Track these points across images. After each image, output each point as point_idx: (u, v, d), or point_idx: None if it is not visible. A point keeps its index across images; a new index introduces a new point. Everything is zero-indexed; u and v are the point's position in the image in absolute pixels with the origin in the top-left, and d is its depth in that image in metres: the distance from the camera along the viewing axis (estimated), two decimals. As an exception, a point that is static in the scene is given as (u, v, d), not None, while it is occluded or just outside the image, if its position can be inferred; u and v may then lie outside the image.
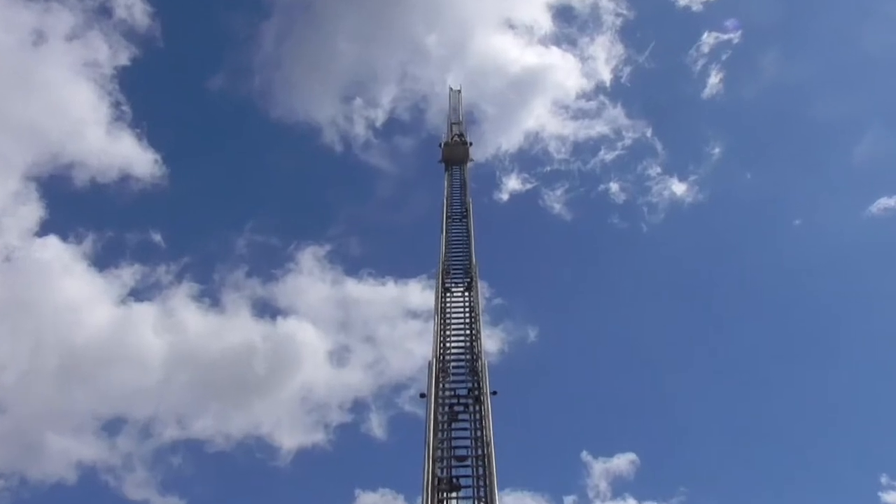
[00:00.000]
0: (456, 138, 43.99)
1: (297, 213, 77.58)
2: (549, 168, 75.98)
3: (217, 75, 78.18)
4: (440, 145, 43.08)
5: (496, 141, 76.94)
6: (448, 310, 30.54)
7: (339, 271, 69.55)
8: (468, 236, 34.77)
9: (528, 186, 74.38)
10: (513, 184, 73.95)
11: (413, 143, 75.77)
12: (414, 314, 61.32)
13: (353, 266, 74.76)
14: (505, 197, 72.61)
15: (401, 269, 67.43)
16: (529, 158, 77.23)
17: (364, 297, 66.70)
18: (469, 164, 41.43)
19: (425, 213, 67.90)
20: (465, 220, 37.74)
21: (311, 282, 69.77)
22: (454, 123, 46.18)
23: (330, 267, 68.78)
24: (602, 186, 75.29)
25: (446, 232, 35.49)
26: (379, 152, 75.81)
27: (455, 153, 42.02)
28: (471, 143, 42.70)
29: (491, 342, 54.98)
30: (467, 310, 30.62)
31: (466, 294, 31.42)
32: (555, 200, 74.31)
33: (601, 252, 75.10)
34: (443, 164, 41.57)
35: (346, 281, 68.75)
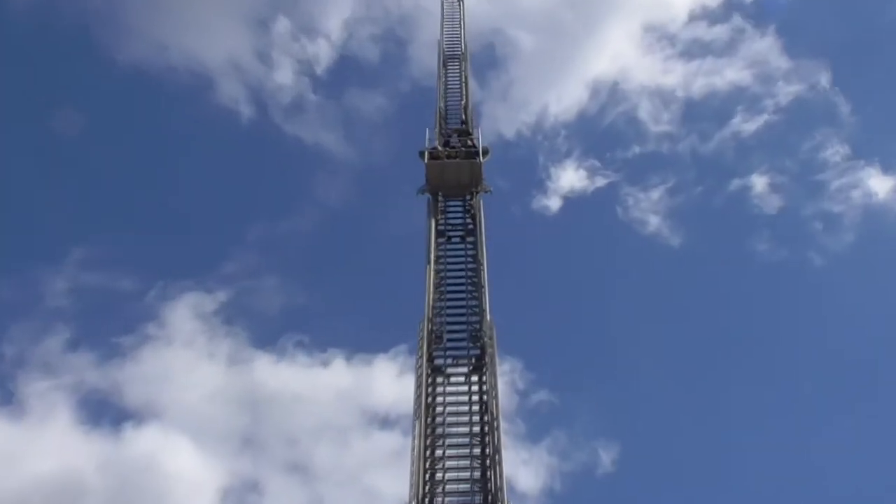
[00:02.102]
0: (452, 142, 25.25)
1: (165, 233, 44.52)
2: (637, 149, 45.44)
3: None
4: (421, 156, 24.20)
5: (538, 99, 46.78)
6: (441, 411, 20.37)
7: (243, 340, 40.75)
8: (477, 275, 22.61)
9: (600, 183, 44.00)
10: (569, 178, 44.33)
11: (382, 103, 46.42)
12: (382, 419, 37.56)
13: (268, 330, 43.13)
14: (553, 204, 44.25)
15: (357, 338, 40.71)
16: (600, 132, 46.38)
17: (289, 389, 39.70)
18: (482, 192, 23.93)
19: (401, 235, 40.28)
20: (470, 240, 23.93)
21: (188, 359, 40.50)
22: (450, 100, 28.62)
23: (225, 331, 40.43)
24: (737, 182, 44.57)
25: (434, 264, 22.96)
26: (319, 121, 45.77)
27: (451, 174, 23.97)
28: (486, 152, 24.25)
29: (525, 475, 35.41)
30: (476, 413, 20.34)
31: (474, 379, 20.77)
32: (649, 209, 43.46)
33: (734, 304, 43.48)
34: (426, 194, 24.07)
35: (254, 357, 40.50)
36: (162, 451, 36.15)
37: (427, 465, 19.56)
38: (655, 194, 44.07)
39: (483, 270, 22.47)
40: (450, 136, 25.46)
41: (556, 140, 44.89)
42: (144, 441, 36.18)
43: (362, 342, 40.90)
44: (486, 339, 21.19)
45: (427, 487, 19.40)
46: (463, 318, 21.87)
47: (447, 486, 19.34)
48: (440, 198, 23.85)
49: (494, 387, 20.34)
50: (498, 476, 19.09)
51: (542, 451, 36.56)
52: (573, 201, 44.30)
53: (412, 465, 19.20)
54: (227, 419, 37.50)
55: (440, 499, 19.33)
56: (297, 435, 37.34)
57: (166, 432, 36.65)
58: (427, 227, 23.22)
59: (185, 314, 39.96)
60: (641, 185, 44.30)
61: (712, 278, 44.51)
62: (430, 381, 20.71)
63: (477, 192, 23.85)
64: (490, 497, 18.97)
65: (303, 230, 45.68)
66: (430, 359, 21.05)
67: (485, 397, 20.38)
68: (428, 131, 24.69)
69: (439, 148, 24.49)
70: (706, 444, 38.79)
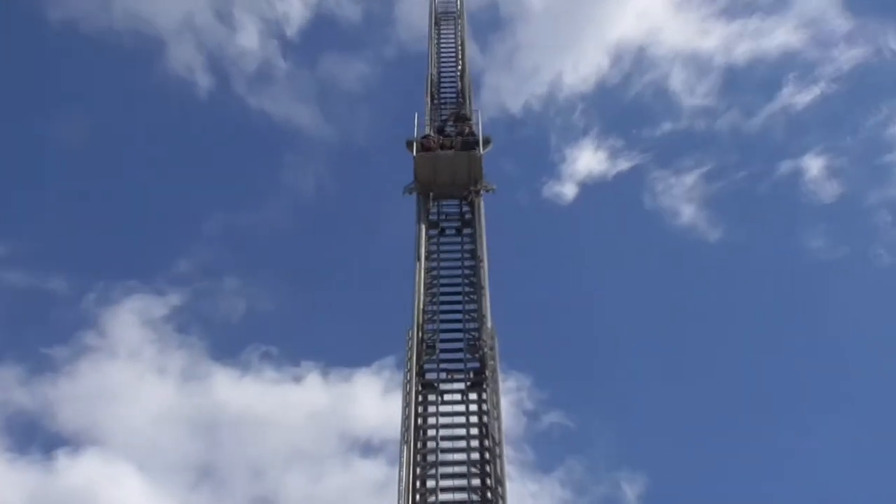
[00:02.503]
0: (447, 129, 22.03)
1: (106, 224, 40.52)
2: (668, 126, 40.58)
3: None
4: (409, 147, 20.75)
5: (549, 66, 41.48)
6: (434, 435, 17.57)
7: (200, 351, 36.51)
8: (476, 274, 19.48)
9: (623, 167, 39.34)
10: (586, 161, 39.64)
11: (364, 71, 41.84)
12: (364, 445, 33.73)
13: (229, 340, 39.09)
14: (567, 191, 39.33)
15: (335, 349, 36.41)
16: (623, 106, 41.62)
17: (254, 409, 35.06)
18: (482, 191, 20.63)
19: (387, 228, 36.55)
20: (467, 232, 20.51)
21: (133, 374, 36.05)
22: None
23: (179, 341, 36.27)
24: (787, 165, 39.43)
25: (424, 261, 19.70)
26: (290, 93, 41.08)
27: (444, 170, 20.66)
28: (487, 142, 20.80)
29: None
30: (475, 436, 17.50)
31: (473, 397, 17.99)
32: (682, 196, 38.79)
33: (784, 311, 38.24)
34: (414, 194, 20.61)
35: (213, 372, 36.00)
36: (102, 484, 31.55)
37: (417, 499, 16.78)
38: (689, 179, 38.61)
39: (483, 269, 19.30)
40: (445, 122, 22.31)
41: (572, 116, 39.78)
42: (81, 471, 31.37)
43: (341, 354, 36.08)
44: (486, 350, 18.19)
45: (417, 525, 16.66)
46: (459, 325, 18.81)
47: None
48: (431, 198, 20.61)
49: (497, 406, 17.48)
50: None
51: (555, 483, 32.42)
52: (591, 188, 39.10)
53: (399, 499, 16.35)
54: (180, 445, 33.04)
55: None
56: (263, 464, 33.00)
57: (108, 461, 32.03)
58: (416, 228, 20.06)
59: (129, 321, 35.37)
60: (673, 169, 39.09)
61: (758, 280, 38.33)
62: (420, 399, 17.74)
63: (477, 192, 20.53)
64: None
65: (271, 222, 40.54)
66: (421, 373, 18.03)
67: (485, 418, 17.49)
68: (417, 116, 21.35)
69: (432, 136, 21.22)
70: (750, 478, 33.23)
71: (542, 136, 41.33)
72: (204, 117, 41.95)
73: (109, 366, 35.41)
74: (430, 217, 20.26)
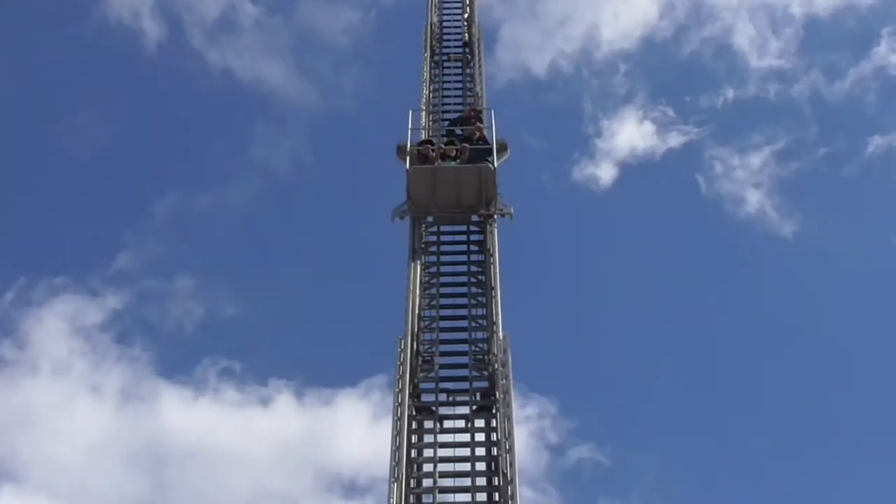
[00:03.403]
0: (442, 133, 18.33)
1: (29, 208, 35.18)
2: (731, 93, 34.67)
3: None
4: (400, 154, 17.01)
5: (583, 17, 36.57)
6: (431, 471, 14.44)
7: (144, 366, 30.76)
8: (486, 273, 16.33)
9: (674, 143, 33.71)
10: (629, 135, 34.29)
11: (351, 20, 36.42)
12: (347, 484, 29.01)
13: (181, 353, 33.77)
14: (605, 173, 33.84)
15: (312, 364, 31.61)
16: (675, 67, 36.00)
17: (210, 439, 29.69)
18: (496, 215, 16.70)
19: (376, 214, 32.31)
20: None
21: (61, 394, 30.80)
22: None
23: (118, 354, 30.46)
24: (879, 142, 34.50)
25: (422, 255, 16.29)
26: (259, 47, 35.54)
27: (447, 187, 16.67)
28: (502, 149, 17.10)
29: None
30: (482, 472, 14.50)
31: (480, 424, 15.04)
32: (747, 180, 33.40)
33: (874, 319, 33.24)
34: (407, 218, 16.73)
35: (160, 392, 30.63)
36: None
37: None
38: (757, 159, 33.02)
39: (494, 266, 16.03)
40: (455, 122, 18.43)
41: (611, 79, 33.80)
42: None
43: (320, 371, 30.72)
44: (496, 366, 15.11)
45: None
46: (464, 335, 15.76)
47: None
48: (429, 223, 16.94)
49: (509, 435, 14.34)
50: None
51: None
52: (634, 169, 33.16)
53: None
54: (118, 483, 27.55)
55: None
56: None
57: (27, 502, 26.67)
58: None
59: (56, 328, 29.68)
60: (736, 146, 33.33)
61: (842, 281, 32.91)
62: (414, 426, 14.66)
63: (489, 216, 16.66)
64: None
65: (235, 206, 34.06)
66: (416, 394, 15.02)
67: (494, 450, 14.57)
68: (411, 115, 17.58)
69: (431, 145, 17.07)
70: None
71: (573, 104, 35.93)
72: (153, 76, 35.51)
73: (29, 383, 30.21)
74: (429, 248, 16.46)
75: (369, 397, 29.09)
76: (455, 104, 19.14)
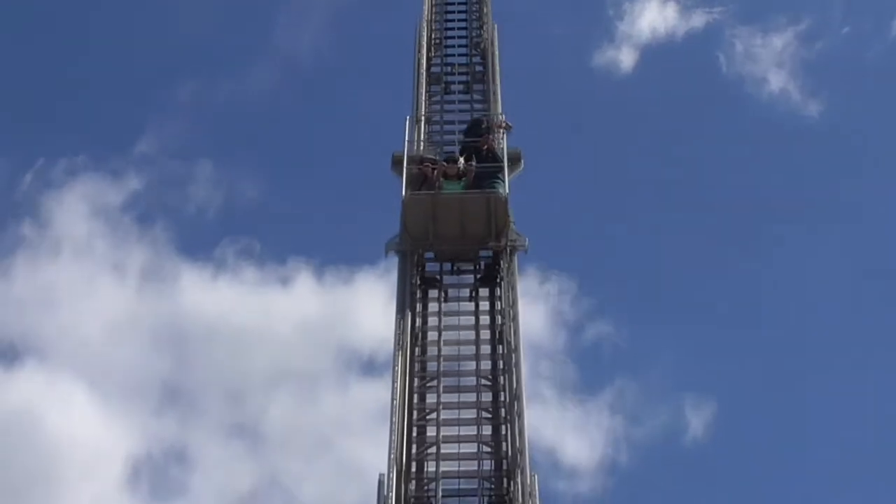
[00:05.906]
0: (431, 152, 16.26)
1: (48, 89, 34.31)
2: None
3: None
4: (395, 166, 15.19)
5: None
6: (436, 339, 14.40)
7: (164, 246, 30.68)
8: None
9: (696, 23, 32.69)
10: (650, 18, 32.92)
11: None
12: (366, 362, 28.36)
13: (201, 233, 33.44)
14: (626, 57, 32.82)
15: (331, 243, 31.38)
16: None
17: (230, 318, 29.56)
18: (507, 247, 14.63)
19: (394, 96, 29.08)
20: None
21: (82, 273, 30.70)
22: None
23: (138, 234, 30.50)
24: None
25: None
26: None
27: (448, 218, 14.63)
28: (515, 161, 15.60)
29: (576, 442, 27.14)
30: (487, 341, 14.52)
31: (484, 293, 14.97)
32: (770, 59, 32.32)
33: None
34: (398, 253, 14.77)
35: (181, 272, 30.57)
36: (44, 403, 26.60)
37: (415, 417, 13.88)
38: (779, 40, 32.13)
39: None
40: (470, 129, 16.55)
41: None
42: (18, 388, 26.41)
43: (338, 250, 30.57)
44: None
45: (414, 449, 13.80)
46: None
47: (443, 448, 13.64)
48: (429, 258, 15.21)
49: (513, 304, 14.31)
50: (517, 435, 13.35)
51: (602, 409, 27.42)
52: (655, 52, 32.13)
53: (392, 415, 13.44)
54: (140, 360, 27.75)
55: (433, 464, 13.62)
56: (242, 386, 27.83)
57: (50, 376, 27.06)
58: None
59: (77, 209, 29.79)
60: (759, 25, 32.44)
61: (868, 166, 31.90)
62: (419, 295, 14.64)
63: (501, 250, 14.74)
64: (504, 464, 13.31)
65: (254, 91, 34.12)
66: (419, 266, 14.81)
67: (498, 319, 14.49)
68: (407, 122, 15.99)
69: (433, 163, 14.94)
70: (843, 404, 28.48)
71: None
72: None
73: (51, 263, 30.41)
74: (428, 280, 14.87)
75: (388, 277, 28.89)
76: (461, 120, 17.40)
